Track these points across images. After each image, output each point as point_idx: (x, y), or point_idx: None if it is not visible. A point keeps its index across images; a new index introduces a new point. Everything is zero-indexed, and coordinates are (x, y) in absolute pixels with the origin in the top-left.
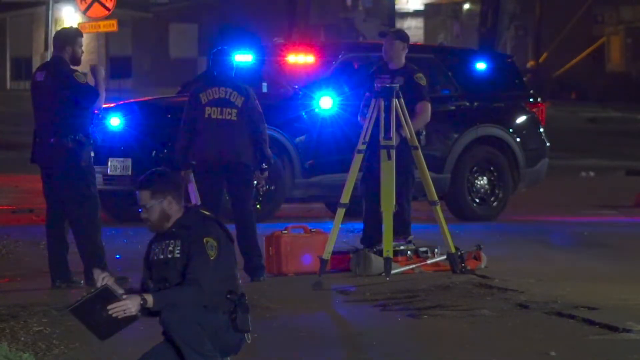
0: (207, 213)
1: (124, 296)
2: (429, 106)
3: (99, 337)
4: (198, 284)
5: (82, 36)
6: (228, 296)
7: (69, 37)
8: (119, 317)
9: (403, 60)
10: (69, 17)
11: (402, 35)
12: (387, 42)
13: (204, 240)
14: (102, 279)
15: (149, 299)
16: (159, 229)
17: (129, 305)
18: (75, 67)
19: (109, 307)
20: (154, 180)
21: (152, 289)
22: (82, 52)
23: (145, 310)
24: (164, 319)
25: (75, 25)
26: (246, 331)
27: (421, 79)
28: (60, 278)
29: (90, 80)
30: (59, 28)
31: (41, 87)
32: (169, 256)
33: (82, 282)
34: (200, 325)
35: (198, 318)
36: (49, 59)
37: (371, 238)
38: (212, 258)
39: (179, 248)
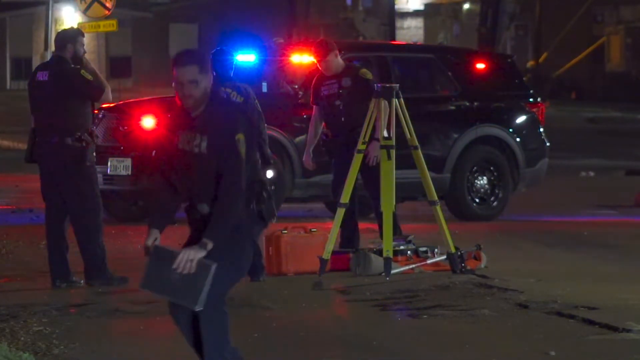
0: (231, 99)
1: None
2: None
3: (193, 306)
4: (237, 187)
5: (83, 35)
6: (254, 185)
7: (70, 36)
8: (191, 271)
9: (342, 63)
10: (69, 17)
11: (327, 47)
12: (322, 64)
13: (236, 138)
14: (153, 239)
15: (208, 242)
16: (196, 108)
17: (190, 254)
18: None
19: (174, 266)
20: (201, 56)
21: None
22: (85, 51)
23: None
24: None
25: (75, 25)
26: (271, 218)
27: (366, 73)
28: (60, 278)
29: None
30: (59, 28)
31: (44, 87)
32: (195, 151)
33: (82, 281)
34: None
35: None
36: (49, 59)
37: (351, 239)
38: (243, 156)
39: (205, 143)
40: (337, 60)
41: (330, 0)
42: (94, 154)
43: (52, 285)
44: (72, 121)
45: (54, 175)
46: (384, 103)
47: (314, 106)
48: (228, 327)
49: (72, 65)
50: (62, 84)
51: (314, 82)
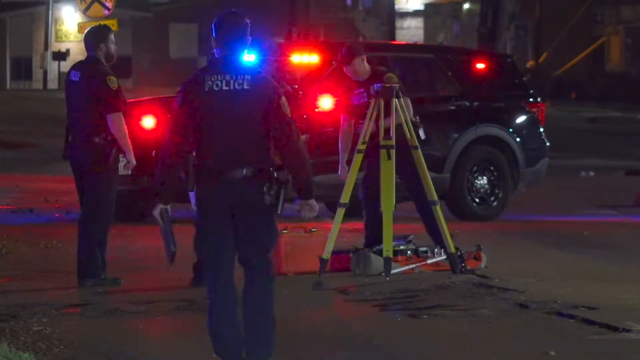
0: None
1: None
2: (408, 101)
3: None
4: None
5: (112, 32)
6: None
7: (102, 35)
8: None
9: (368, 68)
10: (69, 16)
11: (352, 52)
12: (348, 69)
13: None
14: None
15: (309, 198)
16: None
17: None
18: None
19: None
20: None
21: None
22: (115, 47)
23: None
24: None
25: (76, 25)
26: None
27: (392, 78)
28: (90, 276)
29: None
30: (59, 28)
31: (76, 87)
32: None
33: (121, 280)
34: None
35: None
36: (84, 59)
37: (379, 240)
38: None
39: None
40: (364, 66)
41: (330, 0)
42: (120, 156)
43: (79, 284)
44: (100, 122)
45: (81, 174)
46: (389, 102)
47: (344, 116)
48: None
49: (106, 65)
50: (91, 86)
51: (343, 91)
